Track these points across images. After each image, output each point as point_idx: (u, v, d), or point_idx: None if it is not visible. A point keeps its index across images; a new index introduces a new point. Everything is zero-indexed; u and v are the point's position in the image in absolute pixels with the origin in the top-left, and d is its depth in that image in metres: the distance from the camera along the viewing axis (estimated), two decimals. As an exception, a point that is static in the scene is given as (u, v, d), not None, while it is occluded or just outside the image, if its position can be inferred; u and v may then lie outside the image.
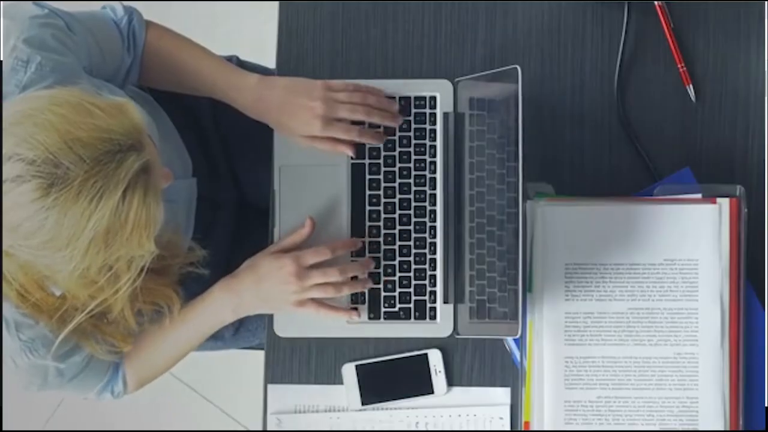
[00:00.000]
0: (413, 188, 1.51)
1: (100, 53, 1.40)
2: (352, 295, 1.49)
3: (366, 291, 1.49)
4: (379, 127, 1.50)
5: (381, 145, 1.51)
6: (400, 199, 1.51)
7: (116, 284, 1.23)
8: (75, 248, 1.14)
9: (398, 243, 1.50)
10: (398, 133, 1.51)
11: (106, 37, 1.42)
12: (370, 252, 1.50)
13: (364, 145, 1.51)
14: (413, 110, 1.51)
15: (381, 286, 1.50)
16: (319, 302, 1.45)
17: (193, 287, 1.45)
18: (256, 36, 2.14)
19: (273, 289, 1.43)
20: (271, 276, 1.43)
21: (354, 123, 1.48)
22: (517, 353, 1.48)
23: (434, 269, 1.50)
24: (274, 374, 1.52)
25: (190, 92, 1.51)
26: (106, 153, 1.13)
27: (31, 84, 1.26)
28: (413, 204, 1.51)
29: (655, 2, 1.52)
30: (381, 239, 1.50)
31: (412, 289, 1.50)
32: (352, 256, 1.50)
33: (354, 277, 1.47)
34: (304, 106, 1.45)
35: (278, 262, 1.43)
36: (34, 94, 1.19)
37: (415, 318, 1.50)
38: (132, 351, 1.46)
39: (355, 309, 1.49)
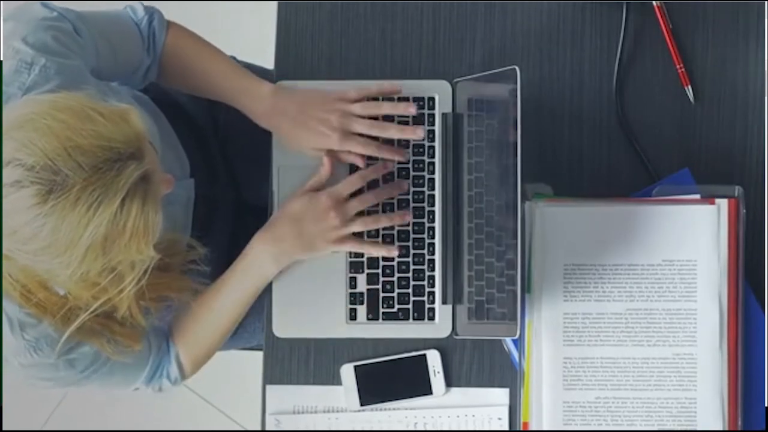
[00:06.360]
0: (412, 189, 1.51)
1: (111, 54, 1.39)
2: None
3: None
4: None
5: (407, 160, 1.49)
6: (398, 199, 1.51)
7: (120, 284, 1.23)
8: (72, 254, 1.14)
9: (396, 244, 1.50)
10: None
11: (122, 38, 1.42)
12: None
13: None
14: (412, 111, 1.51)
15: (380, 286, 1.50)
16: (360, 239, 1.46)
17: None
18: (255, 36, 2.13)
19: (312, 227, 1.42)
20: (308, 215, 1.42)
21: None
22: (515, 354, 1.48)
23: (433, 270, 1.50)
24: (273, 375, 1.52)
25: (203, 95, 1.51)
26: (106, 161, 1.13)
27: (35, 86, 1.26)
28: (412, 205, 1.51)
29: (654, 2, 1.52)
30: (379, 239, 1.50)
31: (410, 290, 1.50)
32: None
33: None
34: (320, 119, 1.44)
35: (313, 200, 1.42)
36: (37, 97, 1.19)
37: (414, 319, 1.50)
38: (179, 329, 1.46)
39: (392, 244, 1.49)
